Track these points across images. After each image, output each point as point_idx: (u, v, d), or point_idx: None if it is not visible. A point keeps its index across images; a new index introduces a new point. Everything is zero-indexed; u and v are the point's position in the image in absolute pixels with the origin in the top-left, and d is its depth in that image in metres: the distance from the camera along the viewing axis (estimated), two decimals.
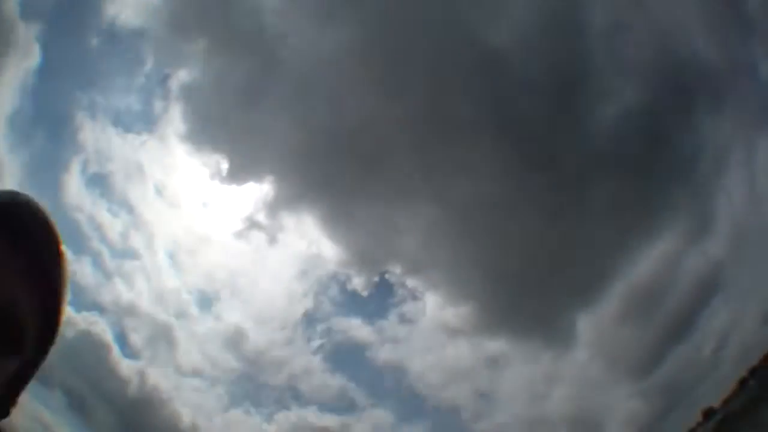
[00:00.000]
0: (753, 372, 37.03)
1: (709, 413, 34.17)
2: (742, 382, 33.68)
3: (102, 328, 43.20)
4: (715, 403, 34.37)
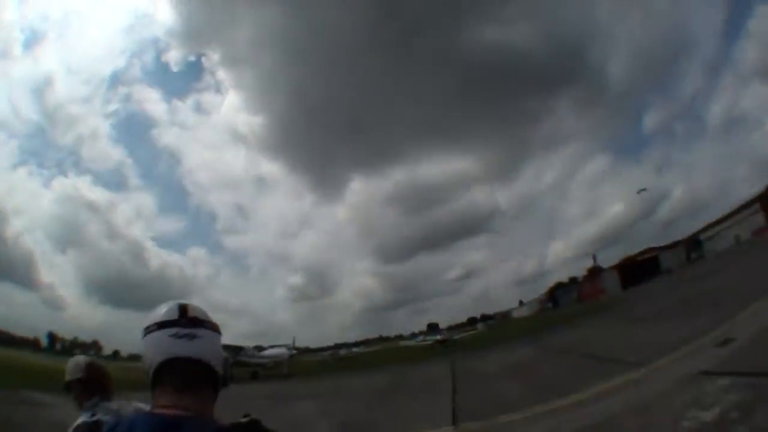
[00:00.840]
0: (484, 317, 46.74)
1: (434, 327, 39.11)
2: (471, 321, 38.23)
3: None
4: (443, 323, 40.05)
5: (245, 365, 43.35)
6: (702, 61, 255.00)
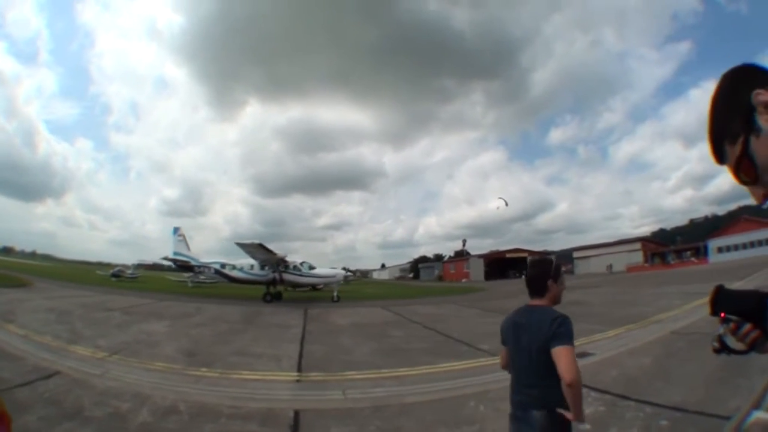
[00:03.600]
0: (346, 269, 47.82)
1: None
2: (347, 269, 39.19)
3: None
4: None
5: (294, 284, 41.01)
6: (629, 104, 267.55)
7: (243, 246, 36.75)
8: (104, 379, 10.35)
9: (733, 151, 1.48)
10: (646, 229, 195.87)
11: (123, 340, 15.48)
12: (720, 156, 1.54)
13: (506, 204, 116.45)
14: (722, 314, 1.83)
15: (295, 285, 41.23)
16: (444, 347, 15.23)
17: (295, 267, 39.74)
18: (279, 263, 38.88)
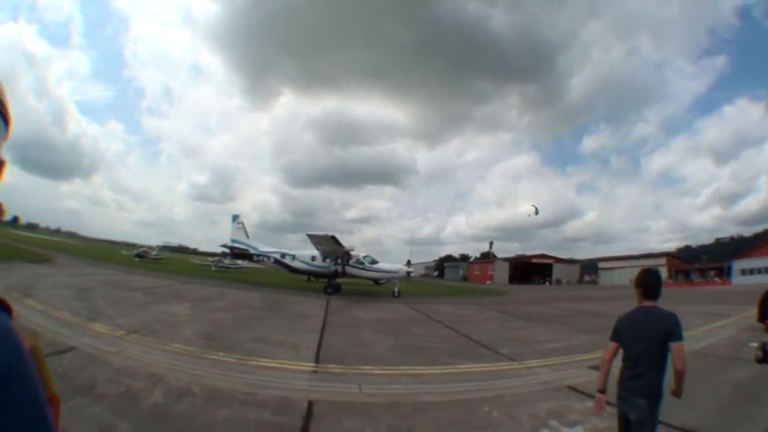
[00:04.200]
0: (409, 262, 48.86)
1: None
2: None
3: None
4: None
5: (355, 277, 40.31)
6: (663, 116, 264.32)
7: (314, 237, 36.54)
8: (120, 357, 10.43)
9: None
10: (672, 245, 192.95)
11: (142, 319, 15.62)
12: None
13: (537, 212, 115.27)
14: None
15: (357, 278, 40.60)
16: (464, 348, 15.07)
17: (358, 260, 39.33)
18: (343, 256, 38.66)
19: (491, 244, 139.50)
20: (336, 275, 39.11)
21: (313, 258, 40.20)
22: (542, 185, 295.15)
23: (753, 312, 8.82)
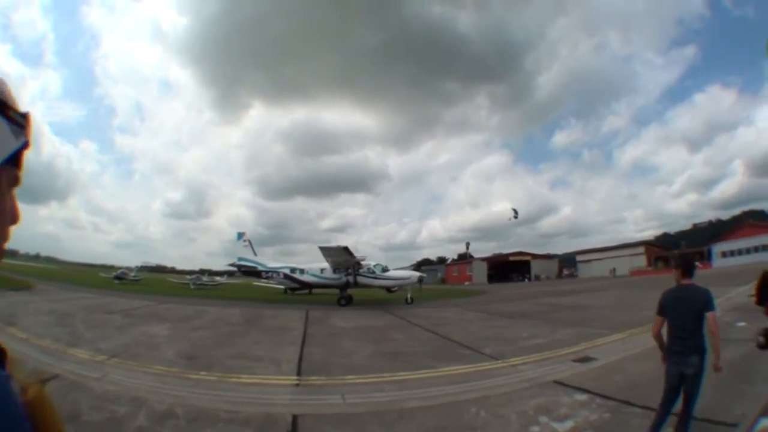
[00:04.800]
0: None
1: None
2: None
3: None
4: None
5: (367, 287, 39.83)
6: (634, 108, 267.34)
7: (325, 249, 36.42)
8: (102, 382, 10.27)
9: None
10: (650, 233, 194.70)
11: (122, 342, 15.44)
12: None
13: (516, 215, 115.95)
14: None
15: (369, 287, 40.19)
16: (445, 351, 15.08)
17: (369, 270, 39.05)
18: (354, 266, 38.36)
19: (468, 244, 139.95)
20: (347, 286, 38.80)
21: (323, 270, 39.94)
22: (516, 183, 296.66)
23: (737, 293, 8.94)
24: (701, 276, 47.53)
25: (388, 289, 42.01)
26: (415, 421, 7.93)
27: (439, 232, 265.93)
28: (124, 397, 9.18)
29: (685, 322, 6.45)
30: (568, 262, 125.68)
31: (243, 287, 53.75)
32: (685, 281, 6.66)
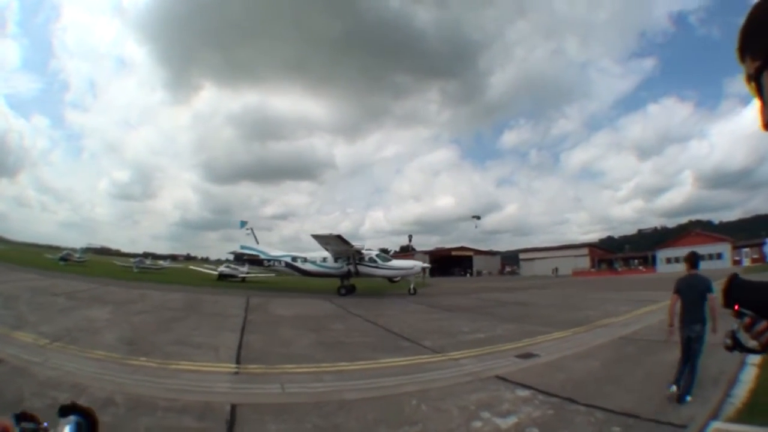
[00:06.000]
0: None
1: (240, 258, 45.79)
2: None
3: None
4: None
5: (369, 276, 39.77)
6: (586, 113, 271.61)
7: (319, 237, 36.33)
8: (44, 368, 10.01)
9: (749, 66, 1.41)
10: (594, 236, 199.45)
11: (65, 326, 15.10)
12: (740, 55, 1.48)
13: (478, 219, 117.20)
14: (736, 306, 1.67)
15: (371, 277, 40.24)
16: (385, 342, 15.17)
17: (370, 259, 39.02)
18: (354, 255, 38.29)
19: (410, 237, 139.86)
20: (349, 275, 38.81)
21: (324, 259, 40.01)
22: (461, 179, 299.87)
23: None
24: (645, 280, 48.95)
25: (390, 279, 42.02)
26: (354, 413, 7.89)
27: (382, 224, 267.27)
28: (65, 383, 8.95)
29: (692, 300, 8.81)
30: (510, 259, 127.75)
31: (185, 272, 53.19)
32: (693, 271, 9.20)
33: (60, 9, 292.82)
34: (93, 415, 1.29)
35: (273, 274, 46.78)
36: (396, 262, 40.27)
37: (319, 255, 40.11)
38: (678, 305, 9.05)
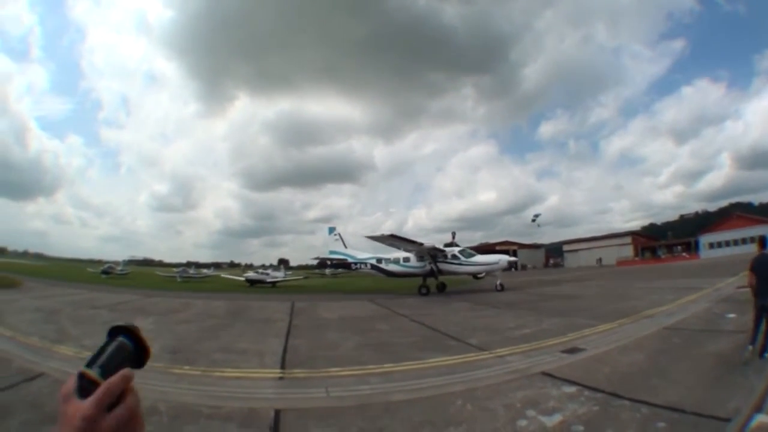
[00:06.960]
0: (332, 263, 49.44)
1: (285, 263, 44.02)
2: (322, 264, 49.50)
3: None
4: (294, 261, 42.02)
5: (452, 274, 39.59)
6: (621, 100, 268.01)
7: (376, 239, 36.72)
8: None
9: None
10: (636, 224, 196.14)
11: None
12: None
13: (537, 217, 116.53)
14: None
15: (454, 274, 40.03)
16: (431, 342, 14.97)
17: (453, 256, 38.58)
18: (433, 253, 38.20)
19: (454, 234, 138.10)
20: (432, 274, 38.63)
21: (407, 259, 40.05)
22: (502, 173, 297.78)
23: (725, 284, 9.35)
24: (689, 267, 48.00)
25: (475, 276, 41.71)
26: (400, 415, 7.77)
27: (425, 222, 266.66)
28: None
29: (766, 274, 10.21)
30: (554, 251, 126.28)
31: (229, 280, 53.68)
32: (765, 251, 10.56)
33: (84, 31, 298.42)
34: (136, 332, 1.37)
35: (301, 278, 47.24)
36: (480, 258, 39.37)
37: (401, 255, 40.16)
38: (754, 280, 10.39)
